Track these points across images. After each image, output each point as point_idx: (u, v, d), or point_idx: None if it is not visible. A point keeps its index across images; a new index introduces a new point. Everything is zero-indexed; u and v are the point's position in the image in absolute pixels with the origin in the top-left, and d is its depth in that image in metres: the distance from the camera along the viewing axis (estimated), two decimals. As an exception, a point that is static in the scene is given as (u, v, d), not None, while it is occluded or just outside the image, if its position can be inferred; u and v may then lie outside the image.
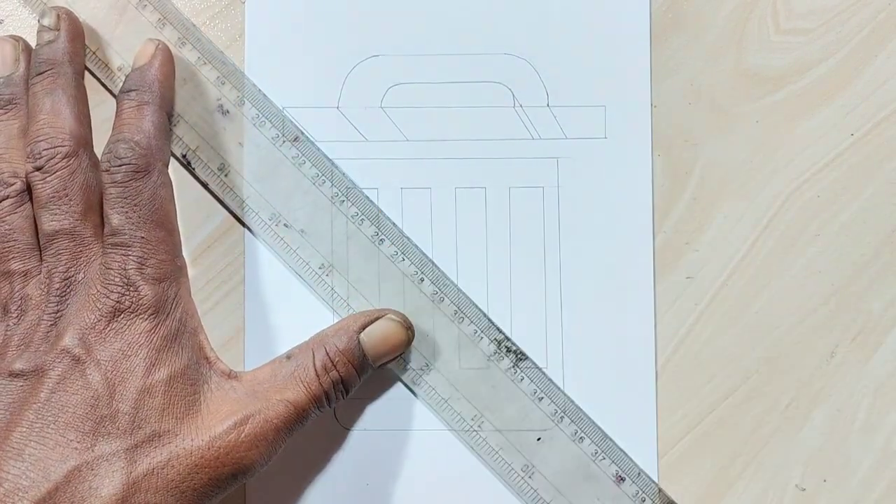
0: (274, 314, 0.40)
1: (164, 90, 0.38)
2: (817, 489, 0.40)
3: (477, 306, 0.39)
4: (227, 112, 0.40)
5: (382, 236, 0.39)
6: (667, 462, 0.39)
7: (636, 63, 0.40)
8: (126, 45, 0.40)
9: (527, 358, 0.39)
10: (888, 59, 0.40)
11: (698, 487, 0.40)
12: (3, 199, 0.37)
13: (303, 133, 0.40)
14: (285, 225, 0.39)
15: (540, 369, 0.39)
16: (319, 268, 0.39)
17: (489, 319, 0.39)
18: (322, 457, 0.40)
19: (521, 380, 0.39)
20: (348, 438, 0.40)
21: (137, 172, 0.36)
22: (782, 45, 0.40)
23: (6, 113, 0.38)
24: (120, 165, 0.36)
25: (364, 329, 0.37)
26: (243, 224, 0.40)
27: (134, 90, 0.37)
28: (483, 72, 0.40)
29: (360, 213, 0.39)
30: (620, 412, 0.39)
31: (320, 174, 0.39)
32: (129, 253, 0.35)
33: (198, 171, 0.40)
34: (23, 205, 0.37)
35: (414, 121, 0.40)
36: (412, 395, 0.40)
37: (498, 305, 0.40)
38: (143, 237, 0.35)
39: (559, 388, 0.39)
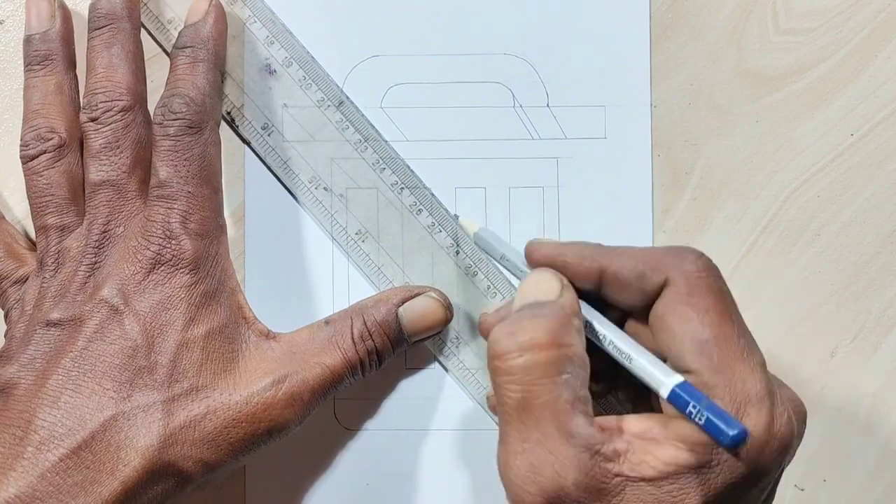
0: (274, 314, 0.40)
1: (217, 48, 0.38)
2: (817, 489, 0.40)
3: (510, 282, 0.39)
4: (274, 72, 0.40)
5: (421, 206, 0.39)
6: (667, 462, 0.39)
7: (636, 63, 0.40)
8: (178, -1, 0.40)
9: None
10: (888, 59, 0.40)
11: (698, 487, 0.39)
12: (41, 154, 0.37)
13: (347, 98, 0.40)
14: (325, 188, 0.40)
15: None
16: (356, 234, 0.40)
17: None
18: (322, 457, 0.40)
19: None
20: (348, 438, 0.40)
21: (190, 128, 0.36)
22: (782, 45, 0.40)
23: (43, 69, 0.38)
24: (174, 119, 0.36)
25: (403, 304, 0.37)
26: (285, 188, 0.40)
27: (189, 46, 0.38)
28: (483, 72, 0.40)
29: (399, 182, 0.40)
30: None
31: (363, 140, 0.40)
32: (174, 206, 0.35)
33: (241, 130, 0.40)
34: (61, 159, 0.37)
35: (414, 121, 0.40)
36: (412, 396, 0.40)
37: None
38: (189, 191, 0.36)
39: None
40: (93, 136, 0.37)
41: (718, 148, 0.40)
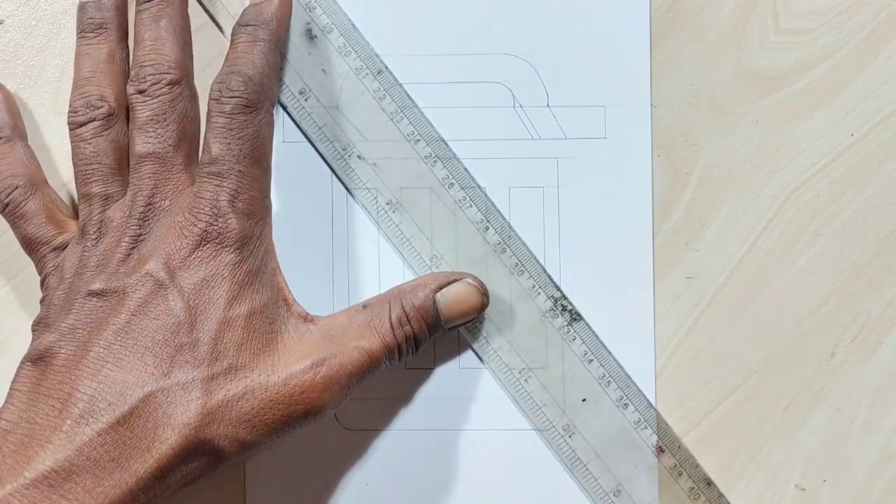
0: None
1: (280, 29, 0.38)
2: (817, 489, 0.40)
3: (538, 261, 0.39)
4: (315, 37, 0.40)
5: (453, 180, 0.39)
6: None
7: (636, 63, 0.40)
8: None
9: (581, 319, 0.39)
10: (888, 59, 0.40)
11: (698, 487, 0.40)
12: (90, 122, 0.37)
13: (386, 68, 0.40)
14: (359, 157, 0.40)
15: (593, 332, 0.39)
16: (387, 204, 0.40)
17: (548, 276, 0.39)
18: (322, 457, 0.40)
19: (574, 339, 0.39)
20: (349, 438, 0.40)
21: (247, 107, 0.36)
22: (782, 45, 0.40)
23: (96, 37, 0.38)
24: (231, 97, 0.36)
25: (441, 289, 0.38)
26: (319, 153, 0.40)
27: (252, 25, 0.37)
28: (483, 72, 0.40)
29: (433, 154, 0.40)
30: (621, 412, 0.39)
31: (399, 110, 0.40)
32: (224, 184, 0.35)
33: (281, 97, 0.40)
34: (109, 129, 0.37)
35: (414, 121, 0.40)
36: (412, 396, 0.40)
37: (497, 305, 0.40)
38: (240, 170, 0.35)
39: (610, 353, 0.39)
40: (140, 108, 0.36)
41: (718, 148, 0.40)
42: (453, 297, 0.38)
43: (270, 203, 0.37)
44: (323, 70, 0.40)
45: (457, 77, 0.40)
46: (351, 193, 0.40)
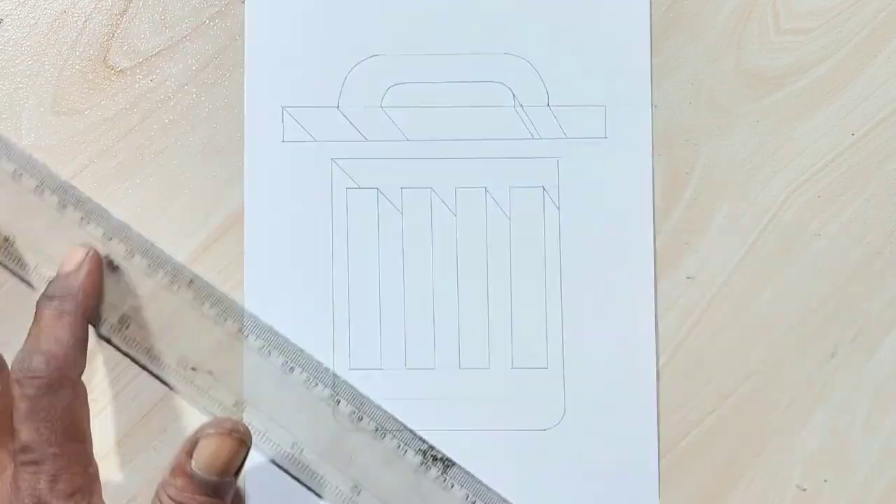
0: (274, 314, 0.39)
1: (88, 300, 0.37)
2: (818, 489, 0.40)
3: (396, 419, 0.39)
4: (117, 267, 0.39)
5: (292, 364, 0.39)
6: (667, 462, 0.39)
7: (636, 63, 0.40)
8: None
9: (454, 464, 0.39)
10: (888, 59, 0.40)
11: (698, 487, 0.39)
12: None
13: (196, 276, 0.39)
14: (193, 368, 0.39)
15: (470, 474, 0.39)
16: (234, 405, 0.39)
17: (411, 431, 0.39)
18: (322, 457, 0.39)
19: (452, 486, 0.38)
20: (349, 438, 0.40)
21: (51, 387, 0.34)
22: (782, 45, 0.40)
23: None
24: (32, 378, 0.34)
25: (191, 456, 0.35)
26: (153, 374, 0.39)
27: (57, 297, 0.36)
28: (483, 72, 0.40)
29: (266, 345, 0.39)
30: (621, 412, 0.39)
31: (221, 312, 0.39)
32: (41, 470, 0.34)
33: (100, 330, 0.39)
34: None
35: (414, 121, 0.40)
36: (412, 396, 0.40)
37: (498, 306, 0.40)
38: (54, 453, 0.34)
39: (491, 489, 0.39)
40: None
41: (718, 148, 0.40)
42: (207, 456, 0.35)
43: (96, 467, 0.36)
44: (136, 294, 0.39)
45: (457, 77, 0.40)
46: (196, 403, 0.39)
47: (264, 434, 0.38)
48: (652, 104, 0.40)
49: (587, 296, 0.40)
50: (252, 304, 0.39)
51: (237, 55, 0.40)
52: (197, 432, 0.36)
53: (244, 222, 0.40)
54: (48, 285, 0.37)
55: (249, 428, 0.36)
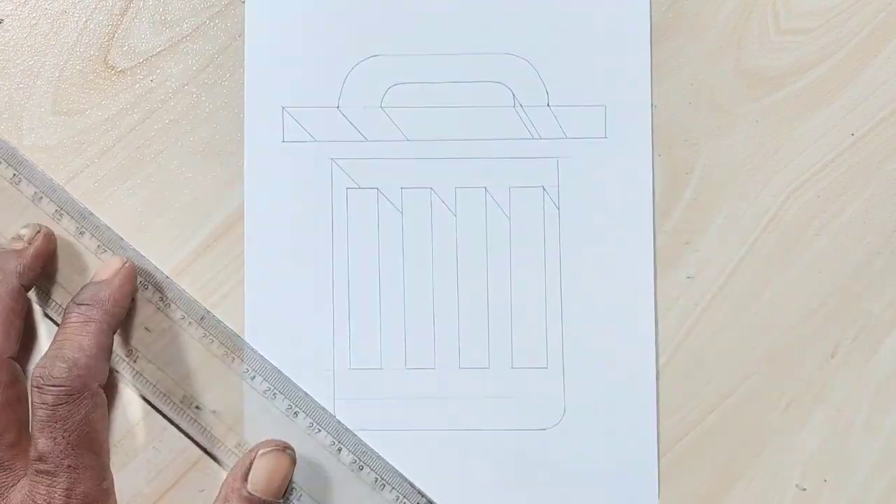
0: (274, 314, 0.40)
1: (116, 310, 0.37)
2: (817, 489, 0.40)
3: (398, 472, 0.39)
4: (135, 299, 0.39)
5: (297, 409, 0.39)
6: (667, 462, 0.39)
7: (636, 63, 0.40)
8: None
9: None
10: (888, 59, 0.40)
11: (698, 487, 0.39)
12: None
13: (208, 312, 0.39)
14: (197, 407, 0.39)
15: None
16: (236, 446, 0.39)
17: (410, 484, 0.39)
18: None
19: None
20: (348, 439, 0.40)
21: (70, 395, 0.34)
22: (782, 45, 0.40)
23: None
24: (53, 386, 0.34)
25: (247, 480, 0.36)
26: (157, 410, 0.39)
27: (85, 304, 0.36)
28: (483, 72, 0.40)
29: (272, 388, 0.39)
30: (621, 412, 0.39)
31: (229, 352, 0.39)
32: (56, 483, 0.34)
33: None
34: None
35: (414, 121, 0.40)
36: (412, 396, 0.40)
37: (497, 306, 0.40)
38: (69, 465, 0.34)
39: None
40: None
41: (718, 148, 0.40)
42: (264, 476, 0.36)
43: (111, 480, 0.36)
44: (146, 328, 0.39)
45: (457, 77, 0.40)
46: (197, 441, 0.39)
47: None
48: (652, 104, 0.40)
49: (587, 296, 0.40)
50: (250, 305, 0.39)
51: (237, 55, 0.40)
52: (247, 456, 0.37)
53: (244, 222, 0.40)
54: (79, 291, 0.37)
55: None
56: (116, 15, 0.40)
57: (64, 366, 0.34)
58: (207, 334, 0.39)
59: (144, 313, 0.39)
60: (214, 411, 0.39)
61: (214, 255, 0.40)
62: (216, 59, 0.40)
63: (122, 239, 0.39)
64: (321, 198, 0.40)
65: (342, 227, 0.40)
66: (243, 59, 0.40)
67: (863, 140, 0.40)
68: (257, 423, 0.39)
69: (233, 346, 0.39)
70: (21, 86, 0.40)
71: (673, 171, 0.40)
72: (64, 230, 0.39)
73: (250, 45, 0.40)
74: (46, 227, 0.38)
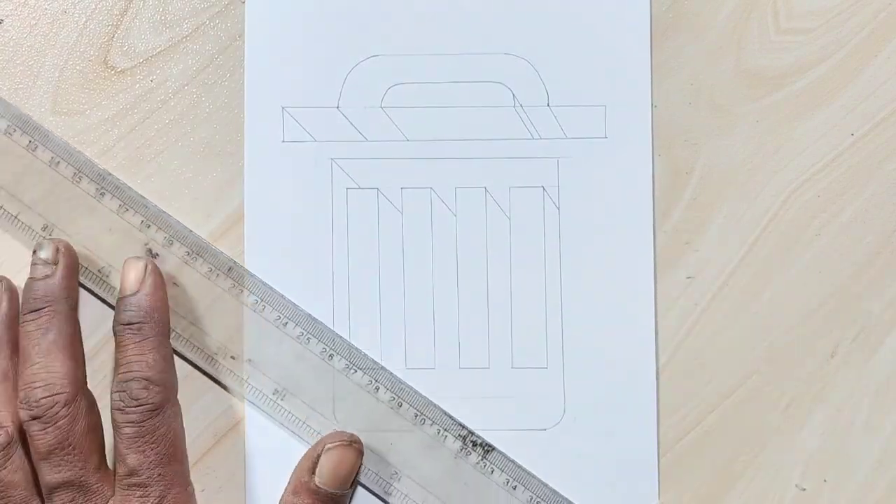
0: (273, 313, 0.39)
1: (162, 316, 0.37)
2: (817, 489, 0.40)
3: (436, 405, 0.39)
4: (157, 255, 0.39)
5: (331, 351, 0.39)
6: (667, 462, 0.39)
7: (636, 63, 0.40)
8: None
9: (494, 449, 0.39)
10: (888, 59, 0.40)
11: (698, 487, 0.40)
12: None
13: (235, 263, 0.39)
14: (232, 357, 0.39)
15: (510, 458, 0.39)
16: (273, 394, 0.39)
17: (450, 417, 0.39)
18: (322, 457, 0.40)
19: (492, 472, 0.39)
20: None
21: (154, 410, 0.35)
22: (782, 45, 0.40)
23: None
24: (136, 406, 0.35)
25: (314, 472, 0.37)
26: (191, 363, 0.39)
27: (135, 323, 0.36)
28: (483, 72, 0.40)
29: (305, 333, 0.39)
30: (621, 412, 0.39)
31: (259, 300, 0.39)
32: (148, 493, 0.35)
33: None
34: (10, 457, 0.36)
35: (414, 121, 0.40)
36: (412, 396, 0.40)
37: (497, 306, 0.40)
38: (160, 474, 0.35)
39: (532, 475, 0.39)
40: (39, 436, 0.35)
41: (718, 148, 0.40)
42: (330, 469, 0.37)
43: (192, 486, 0.37)
44: (175, 283, 0.39)
45: (457, 77, 0.40)
46: (236, 392, 0.39)
47: (304, 422, 0.39)
48: (652, 104, 0.40)
49: (587, 295, 0.40)
50: (252, 304, 0.39)
51: (237, 55, 0.40)
52: (315, 449, 0.37)
53: (244, 222, 0.40)
54: (119, 309, 0.37)
55: (291, 416, 0.38)
56: (116, 15, 0.40)
57: (140, 385, 0.35)
58: (236, 285, 0.39)
59: (171, 268, 0.39)
60: (250, 360, 0.39)
61: (214, 255, 0.40)
62: (216, 59, 0.40)
63: (143, 197, 0.39)
64: (321, 198, 0.40)
65: (342, 228, 0.40)
66: (243, 60, 0.40)
67: (863, 140, 0.40)
68: (294, 369, 0.39)
69: (263, 294, 0.39)
70: (21, 86, 0.40)
71: (673, 171, 0.40)
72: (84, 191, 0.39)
73: (250, 45, 0.40)
74: (62, 240, 0.38)
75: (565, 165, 0.40)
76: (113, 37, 0.40)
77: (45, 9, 0.41)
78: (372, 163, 0.40)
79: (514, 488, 0.39)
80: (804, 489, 0.40)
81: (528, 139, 0.40)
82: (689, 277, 0.40)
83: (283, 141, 0.40)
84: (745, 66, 0.40)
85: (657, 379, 0.39)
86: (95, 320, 0.39)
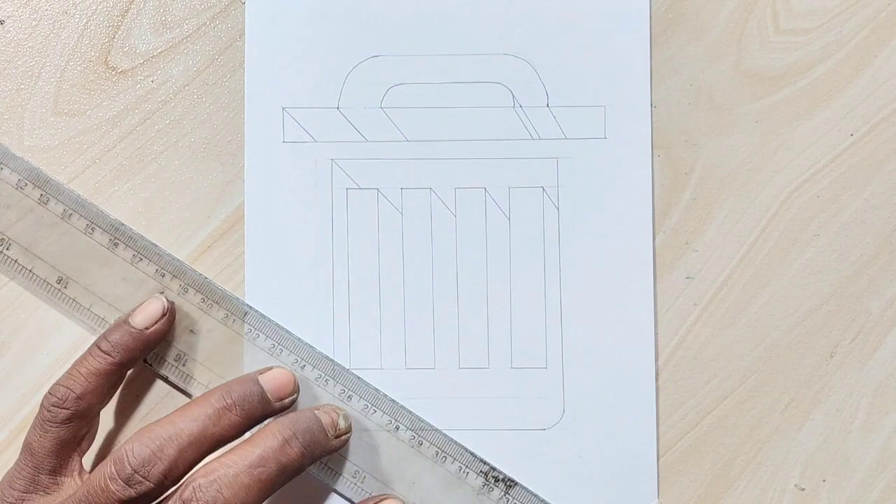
0: (274, 314, 0.40)
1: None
2: (817, 489, 0.40)
3: (457, 443, 0.39)
4: (172, 303, 0.39)
5: (350, 392, 0.39)
6: (667, 462, 0.40)
7: (636, 63, 0.40)
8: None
9: (516, 484, 0.39)
10: (888, 59, 0.40)
11: (698, 487, 0.40)
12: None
13: (250, 308, 0.39)
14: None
15: (531, 492, 0.39)
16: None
17: (471, 453, 0.39)
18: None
19: None
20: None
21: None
22: (782, 45, 0.40)
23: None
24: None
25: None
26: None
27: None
28: (483, 72, 0.40)
29: (323, 375, 0.39)
30: (621, 412, 0.39)
31: (276, 344, 0.39)
32: None
33: (155, 368, 0.39)
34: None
35: (414, 121, 0.40)
36: (412, 396, 0.40)
37: (497, 306, 0.40)
38: None
39: None
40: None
41: (718, 148, 0.40)
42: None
43: None
44: (191, 331, 0.39)
45: (457, 77, 0.40)
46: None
47: (326, 464, 0.39)
48: (651, 104, 0.40)
49: (586, 296, 0.40)
50: (253, 303, 0.40)
51: (238, 56, 0.40)
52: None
53: (245, 222, 0.40)
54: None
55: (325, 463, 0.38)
56: (117, 16, 0.40)
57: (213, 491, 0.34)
58: (253, 329, 0.39)
59: (187, 315, 0.39)
60: None
61: (215, 256, 0.40)
62: (216, 59, 0.40)
63: (156, 245, 0.39)
64: (321, 198, 0.40)
65: (342, 228, 0.40)
66: (243, 60, 0.40)
67: (863, 140, 0.40)
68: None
69: (280, 338, 0.39)
70: (22, 87, 0.40)
71: (672, 171, 0.40)
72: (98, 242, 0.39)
73: (250, 45, 0.40)
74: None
75: (565, 166, 0.40)
76: (114, 38, 0.40)
77: (47, 10, 0.41)
78: (372, 163, 0.40)
79: None
80: (803, 489, 0.40)
81: (527, 139, 0.40)
82: (688, 277, 0.40)
83: (284, 141, 0.40)
84: (745, 67, 0.40)
85: (657, 379, 0.40)
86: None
